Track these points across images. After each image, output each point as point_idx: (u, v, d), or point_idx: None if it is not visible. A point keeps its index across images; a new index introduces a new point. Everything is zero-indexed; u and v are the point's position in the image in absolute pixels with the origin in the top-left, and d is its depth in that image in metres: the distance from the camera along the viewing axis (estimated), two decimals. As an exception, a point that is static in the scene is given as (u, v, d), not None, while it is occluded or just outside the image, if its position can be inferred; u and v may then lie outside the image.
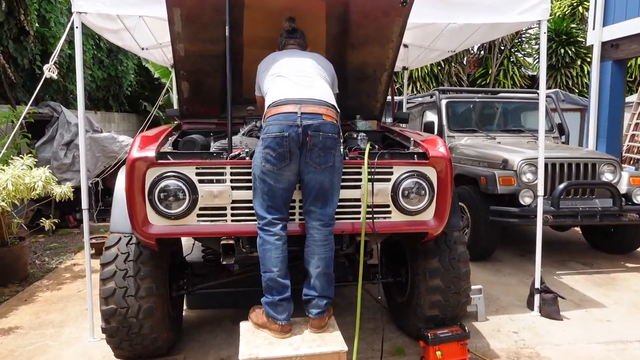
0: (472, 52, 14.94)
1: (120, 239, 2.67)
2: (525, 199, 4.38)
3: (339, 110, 2.42)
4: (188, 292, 2.95)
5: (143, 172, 2.33)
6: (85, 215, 3.15)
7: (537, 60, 14.77)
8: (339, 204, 2.47)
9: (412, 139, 2.71)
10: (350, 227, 2.52)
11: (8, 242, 4.44)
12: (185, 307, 3.58)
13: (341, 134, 2.38)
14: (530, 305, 3.63)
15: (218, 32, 2.79)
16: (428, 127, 5.70)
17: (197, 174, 2.38)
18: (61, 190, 4.46)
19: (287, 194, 2.33)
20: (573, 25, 14.07)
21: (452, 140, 5.60)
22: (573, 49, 13.73)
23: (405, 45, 6.04)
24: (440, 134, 5.66)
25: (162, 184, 2.33)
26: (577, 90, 13.53)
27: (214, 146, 2.70)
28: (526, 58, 15.07)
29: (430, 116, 6.33)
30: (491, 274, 4.46)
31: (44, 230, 4.71)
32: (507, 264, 4.79)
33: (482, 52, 14.83)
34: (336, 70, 3.15)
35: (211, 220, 2.43)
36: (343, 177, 2.46)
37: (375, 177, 2.49)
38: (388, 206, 2.54)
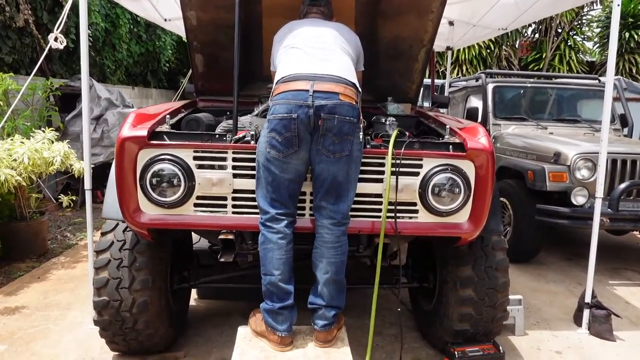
0: (525, 34, 13.96)
1: (117, 224, 2.44)
2: (579, 199, 3.87)
3: (360, 89, 2.05)
4: (191, 286, 2.71)
5: (134, 154, 2.06)
6: (88, 196, 2.95)
7: (598, 45, 13.64)
8: (357, 199, 2.13)
9: (448, 126, 2.30)
10: (368, 226, 2.18)
11: (27, 217, 4.37)
12: (195, 296, 3.37)
13: (361, 117, 2.02)
14: (577, 321, 3.18)
15: (232, -2, 2.46)
16: (471, 114, 5.20)
17: (195, 158, 2.10)
18: (80, 166, 4.34)
19: (294, 186, 2.00)
20: (641, 7, 12.84)
21: (497, 129, 5.09)
22: (639, 33, 12.53)
23: (451, 23, 5.54)
24: (485, 121, 5.16)
25: (155, 167, 2.06)
26: (641, 79, 12.40)
27: (220, 127, 2.40)
28: (585, 42, 13.96)
29: (475, 102, 5.80)
30: (533, 279, 4.01)
31: (71, 204, 4.61)
32: (552, 268, 4.31)
33: (537, 35, 13.82)
34: (366, 45, 2.78)
35: (210, 211, 2.15)
36: (363, 168, 2.11)
37: (401, 169, 2.12)
38: (415, 204, 2.17)
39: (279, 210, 2.00)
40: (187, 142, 2.09)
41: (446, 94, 6.39)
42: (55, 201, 5.67)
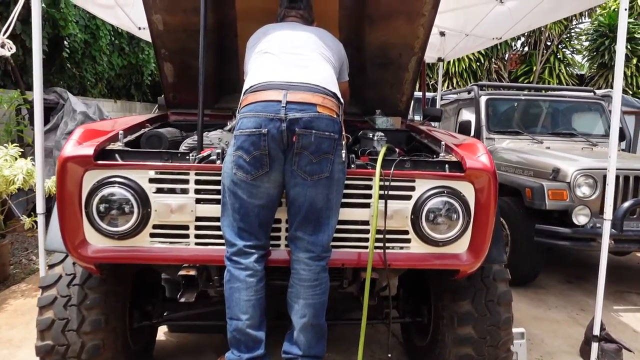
0: (514, 47, 13.92)
1: (67, 256, 2.12)
2: (580, 218, 3.62)
3: (342, 100, 1.78)
4: (154, 324, 2.38)
5: (79, 176, 1.76)
6: (41, 221, 2.62)
7: (587, 58, 13.62)
8: (340, 227, 1.84)
9: (443, 142, 2.03)
10: (354, 258, 1.89)
11: (-15, 240, 4.01)
12: (166, 329, 3.04)
13: (344, 132, 1.74)
14: (584, 355, 2.90)
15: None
16: (464, 127, 4.97)
17: (151, 181, 1.80)
18: (51, 183, 4.01)
19: (265, 214, 1.71)
20: (630, 20, 12.84)
21: (491, 143, 4.85)
22: (629, 47, 12.52)
23: (442, 33, 5.35)
24: (478, 135, 4.92)
25: (103, 192, 1.76)
26: (630, 92, 12.35)
27: (184, 144, 2.11)
28: (574, 55, 13.93)
29: (467, 115, 5.58)
30: (533, 305, 3.73)
31: (34, 226, 4.26)
32: (552, 292, 4.04)
33: (526, 48, 13.78)
34: (352, 53, 2.52)
35: (169, 242, 1.84)
36: (347, 191, 1.83)
37: (391, 193, 1.84)
38: (406, 232, 1.89)
39: (248, 242, 1.71)
40: (141, 162, 1.80)
41: (437, 107, 6.17)
42: (25, 218, 5.30)
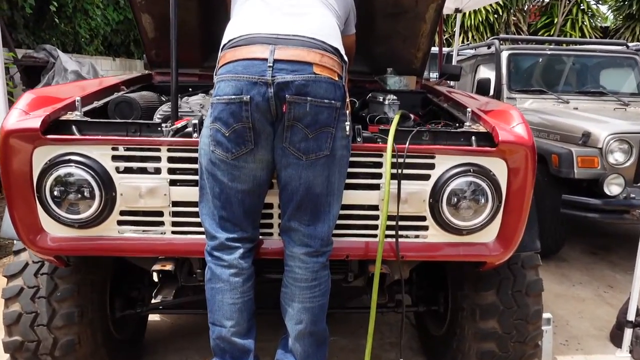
0: (535, -2, 13.08)
1: (33, 240, 1.85)
2: (613, 188, 3.27)
3: (346, 59, 1.42)
4: (138, 313, 2.14)
5: (27, 154, 1.46)
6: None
7: (613, 8, 12.75)
8: (344, 212, 1.53)
9: (469, 108, 1.68)
10: (360, 248, 1.59)
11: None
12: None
13: (347, 99, 1.39)
14: (616, 341, 2.64)
15: None
16: (482, 86, 4.55)
17: (114, 159, 1.49)
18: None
19: (251, 200, 1.40)
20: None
21: (512, 103, 4.44)
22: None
23: (461, -20, 4.82)
24: (498, 95, 4.51)
25: (57, 173, 1.46)
26: (659, 45, 11.58)
27: (159, 112, 1.79)
28: (599, 6, 13.05)
29: (486, 72, 5.13)
30: (556, 280, 3.45)
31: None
32: (576, 266, 3.75)
33: (547, -2, 12.93)
34: (360, 2, 2.14)
35: (141, 232, 1.56)
36: (352, 169, 1.51)
37: (405, 171, 1.52)
38: (423, 219, 1.58)
39: (231, 234, 1.41)
40: (101, 136, 1.48)
41: (454, 63, 5.71)
42: None
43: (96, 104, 1.81)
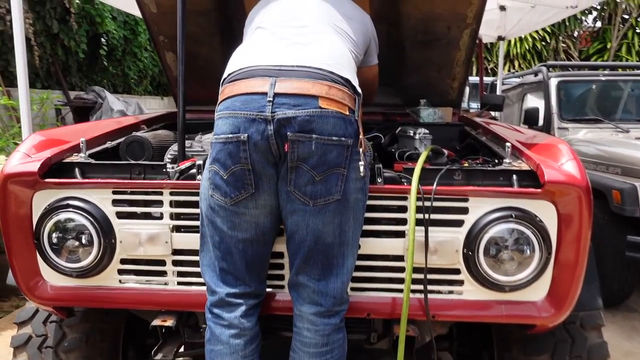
0: (585, 23, 12.55)
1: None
2: (687, 228, 2.87)
3: (359, 89, 1.26)
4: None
5: (27, 198, 1.38)
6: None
7: (672, 30, 11.99)
8: (362, 263, 1.34)
9: (508, 143, 1.47)
10: (384, 305, 1.38)
11: None
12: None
13: (362, 135, 1.21)
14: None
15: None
16: (530, 116, 4.26)
17: (114, 203, 1.38)
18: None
19: (255, 251, 1.24)
20: None
21: (564, 134, 4.11)
22: None
23: (502, 7, 4.63)
24: (548, 125, 4.19)
25: (55, 218, 1.36)
26: None
27: (169, 153, 1.68)
28: (657, 29, 12.32)
29: (534, 101, 4.82)
30: (625, 335, 3.02)
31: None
32: (647, 316, 3.30)
33: (599, 23, 12.36)
34: (387, 29, 2.01)
35: (144, 282, 1.43)
36: (372, 214, 1.33)
37: (434, 217, 1.31)
38: (457, 272, 1.35)
39: (232, 289, 1.24)
40: (100, 179, 1.38)
41: (498, 92, 5.43)
42: None
43: (109, 144, 1.74)
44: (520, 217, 1.29)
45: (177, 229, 1.39)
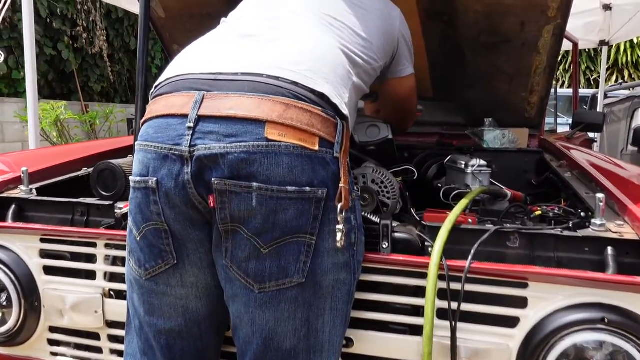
0: None
1: None
2: None
3: (345, 112, 0.80)
4: None
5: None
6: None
7: None
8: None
9: (600, 195, 0.93)
10: None
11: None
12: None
13: (343, 181, 0.76)
14: None
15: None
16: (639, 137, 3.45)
17: (44, 254, 1.08)
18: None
19: (183, 348, 0.83)
20: None
21: (689, 160, 3.26)
22: None
23: (607, 7, 3.87)
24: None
25: (-29, 271, 1.08)
26: None
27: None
28: None
29: (647, 118, 3.97)
30: None
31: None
32: None
33: None
34: (443, 30, 1.60)
35: (76, 358, 1.10)
36: (372, 295, 0.87)
37: (466, 308, 0.83)
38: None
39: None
40: (22, 224, 1.08)
41: (599, 108, 4.58)
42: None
43: (85, 170, 1.46)
44: (617, 324, 0.76)
45: (114, 294, 1.04)
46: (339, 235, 0.72)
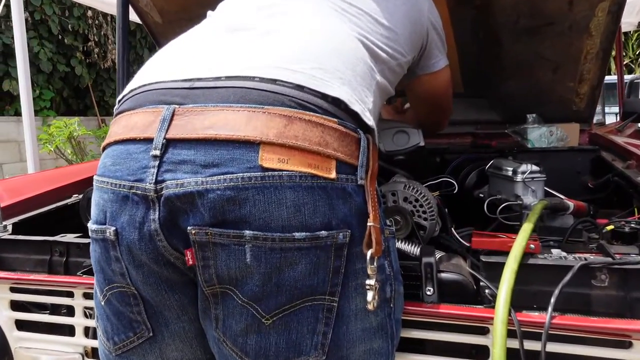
0: None
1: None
2: None
3: (369, 120, 0.58)
4: None
5: None
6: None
7: None
8: None
9: None
10: None
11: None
12: None
13: (371, 221, 0.54)
14: None
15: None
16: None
17: (15, 306, 0.90)
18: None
19: None
20: None
21: None
22: None
23: (646, -16, 3.54)
24: None
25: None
26: None
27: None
28: None
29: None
30: None
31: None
32: None
33: None
34: (475, 17, 1.40)
35: None
36: (415, 357, 0.66)
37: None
38: None
39: None
40: (-10, 271, 0.91)
41: (642, 94, 4.24)
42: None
43: (75, 197, 1.30)
44: None
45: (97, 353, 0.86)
46: (369, 295, 0.52)
